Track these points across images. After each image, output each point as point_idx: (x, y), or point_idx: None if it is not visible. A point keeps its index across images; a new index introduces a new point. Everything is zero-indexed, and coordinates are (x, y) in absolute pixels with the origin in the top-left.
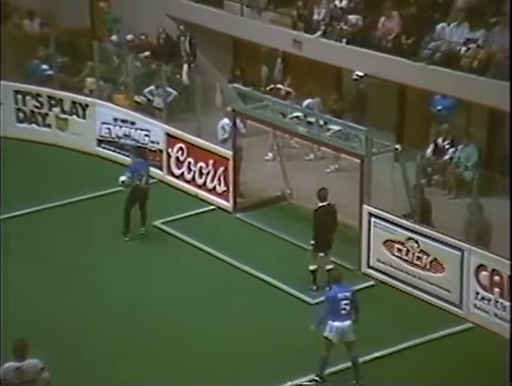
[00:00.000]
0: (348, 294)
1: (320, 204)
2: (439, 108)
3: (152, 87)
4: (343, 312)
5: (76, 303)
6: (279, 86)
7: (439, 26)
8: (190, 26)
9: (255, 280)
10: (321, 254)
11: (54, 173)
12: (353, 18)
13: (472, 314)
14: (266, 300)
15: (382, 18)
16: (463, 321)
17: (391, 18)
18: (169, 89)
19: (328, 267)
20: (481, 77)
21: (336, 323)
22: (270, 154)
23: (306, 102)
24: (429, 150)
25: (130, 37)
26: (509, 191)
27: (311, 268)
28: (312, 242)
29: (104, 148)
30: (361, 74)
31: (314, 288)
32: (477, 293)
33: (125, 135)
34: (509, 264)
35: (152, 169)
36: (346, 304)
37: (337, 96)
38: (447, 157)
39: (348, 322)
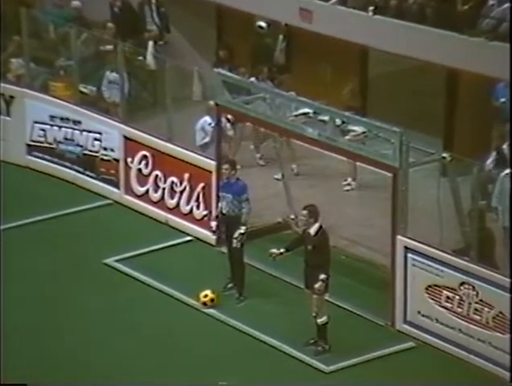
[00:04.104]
0: None
1: (319, 224)
2: (503, 100)
3: (107, 72)
4: None
5: None
6: None
7: None
8: None
9: (247, 339)
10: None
11: None
12: None
13: None
14: (262, 365)
15: None
16: None
17: None
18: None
19: (323, 319)
20: None
21: None
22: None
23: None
24: (490, 160)
25: (76, 3)
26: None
27: (323, 320)
28: (323, 277)
29: (36, 157)
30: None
31: (326, 348)
32: None
33: (67, 139)
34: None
35: (105, 186)
36: None
37: (356, 85)
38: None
39: None
